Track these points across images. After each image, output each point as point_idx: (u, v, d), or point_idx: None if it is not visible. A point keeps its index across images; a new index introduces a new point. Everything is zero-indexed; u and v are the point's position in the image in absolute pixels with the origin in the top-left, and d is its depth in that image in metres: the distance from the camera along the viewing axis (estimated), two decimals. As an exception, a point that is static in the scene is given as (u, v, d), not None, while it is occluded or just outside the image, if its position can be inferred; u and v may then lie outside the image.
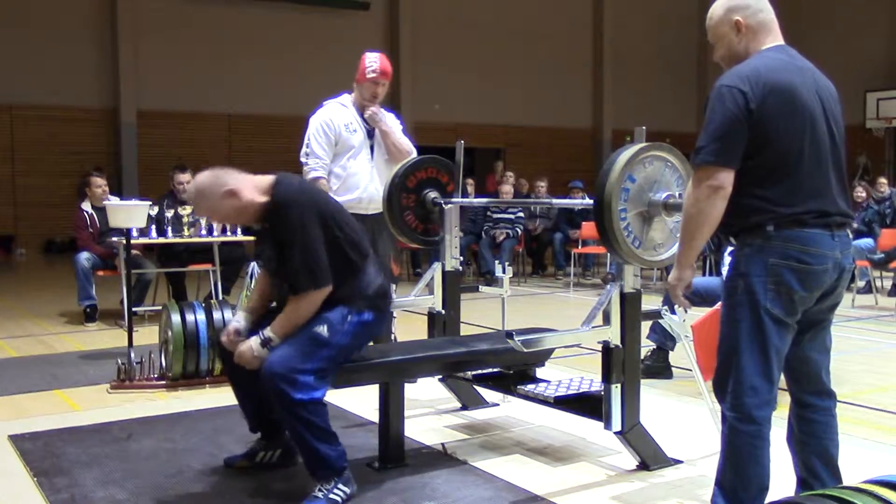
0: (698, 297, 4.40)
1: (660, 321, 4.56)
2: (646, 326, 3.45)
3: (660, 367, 5.01)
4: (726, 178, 2.44)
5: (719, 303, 2.79)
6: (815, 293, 2.52)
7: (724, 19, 2.63)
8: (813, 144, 2.50)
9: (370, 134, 4.78)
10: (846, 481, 2.61)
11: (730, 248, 2.90)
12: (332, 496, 2.98)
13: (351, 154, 4.72)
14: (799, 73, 2.54)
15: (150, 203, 6.02)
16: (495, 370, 3.93)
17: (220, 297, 6.98)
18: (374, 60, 4.74)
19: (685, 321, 3.51)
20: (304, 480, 3.12)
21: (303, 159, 4.78)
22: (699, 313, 3.55)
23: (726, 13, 2.63)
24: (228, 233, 7.07)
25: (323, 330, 3.04)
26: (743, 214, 2.50)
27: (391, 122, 4.83)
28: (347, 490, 3.02)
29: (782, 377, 2.63)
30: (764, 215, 2.47)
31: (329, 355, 3.03)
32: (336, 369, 3.12)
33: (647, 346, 4.47)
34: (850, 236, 2.63)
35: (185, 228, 6.97)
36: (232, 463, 3.45)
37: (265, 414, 3.32)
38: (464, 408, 4.35)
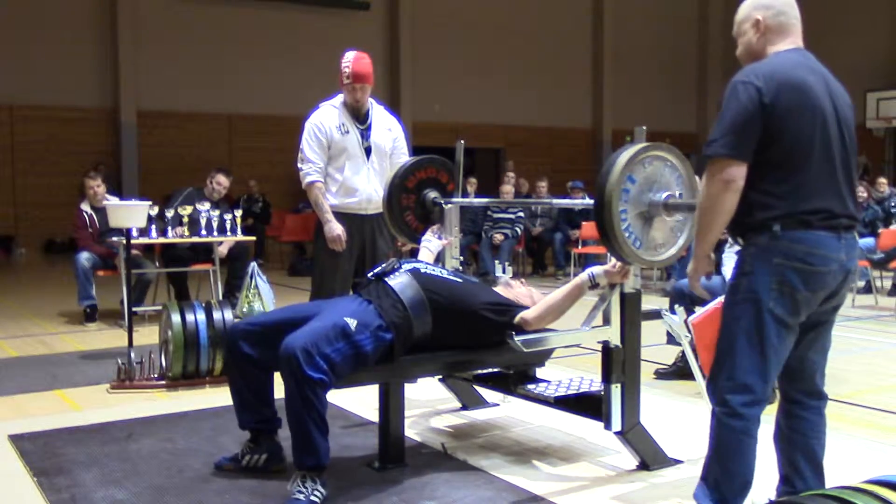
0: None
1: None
2: (646, 326, 3.45)
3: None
4: (738, 172, 2.46)
5: (718, 298, 2.79)
6: (819, 294, 2.53)
7: (748, 16, 2.66)
8: (823, 143, 2.51)
9: (364, 134, 4.72)
10: (846, 481, 2.61)
11: (735, 248, 2.89)
12: (312, 497, 2.97)
13: (346, 156, 4.67)
14: (812, 74, 2.56)
15: (150, 203, 6.01)
16: (495, 370, 3.92)
17: (221, 297, 6.98)
18: (346, 65, 4.56)
19: (685, 321, 3.51)
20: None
21: (298, 164, 4.72)
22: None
23: (750, 10, 2.66)
24: (228, 233, 7.06)
25: (352, 323, 3.10)
26: (748, 210, 2.51)
27: (394, 133, 4.76)
28: (325, 492, 3.02)
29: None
30: (769, 212, 2.48)
31: (345, 350, 3.04)
32: (343, 373, 3.10)
33: (651, 345, 4.46)
34: (857, 239, 2.63)
35: (185, 229, 6.96)
36: (220, 465, 3.45)
37: (258, 408, 3.33)
38: (464, 408, 4.34)
